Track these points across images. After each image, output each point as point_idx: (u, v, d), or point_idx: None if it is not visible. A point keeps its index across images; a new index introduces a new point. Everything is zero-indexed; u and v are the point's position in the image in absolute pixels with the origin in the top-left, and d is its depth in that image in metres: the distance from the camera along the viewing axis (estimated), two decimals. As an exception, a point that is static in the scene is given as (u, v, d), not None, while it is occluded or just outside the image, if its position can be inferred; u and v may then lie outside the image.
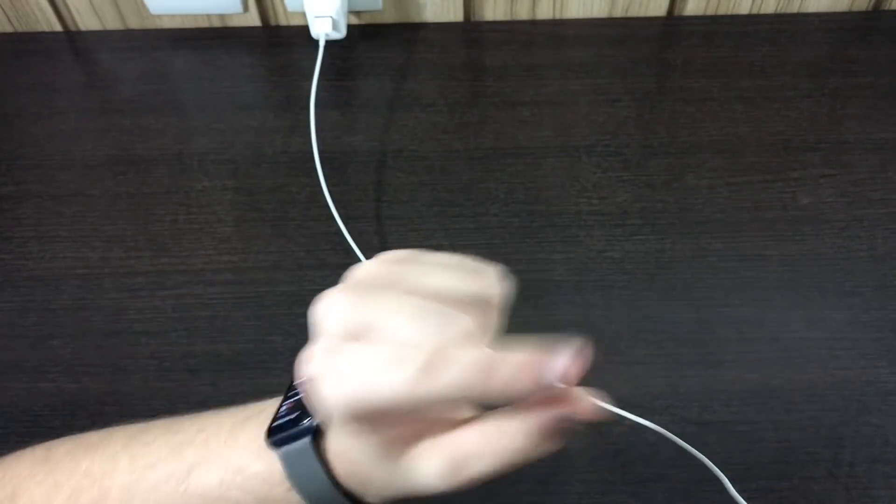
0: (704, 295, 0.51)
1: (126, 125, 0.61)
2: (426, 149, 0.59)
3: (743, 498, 0.42)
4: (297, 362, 0.26)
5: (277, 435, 0.28)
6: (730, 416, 0.46)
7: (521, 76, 0.64)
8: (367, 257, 0.53)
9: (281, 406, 0.29)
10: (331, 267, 0.52)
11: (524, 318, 0.52)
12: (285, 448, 0.27)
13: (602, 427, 0.46)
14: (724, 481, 0.43)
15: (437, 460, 0.26)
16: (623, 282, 0.52)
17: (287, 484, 0.28)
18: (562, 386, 0.23)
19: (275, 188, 0.57)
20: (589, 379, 0.49)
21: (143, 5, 0.65)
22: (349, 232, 0.53)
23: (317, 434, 0.27)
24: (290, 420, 0.28)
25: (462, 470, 0.26)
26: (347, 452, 0.27)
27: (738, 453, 0.44)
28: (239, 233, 0.55)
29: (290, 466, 0.27)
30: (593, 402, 0.26)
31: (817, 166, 0.57)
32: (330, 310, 0.26)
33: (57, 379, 0.48)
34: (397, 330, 0.25)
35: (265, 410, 0.29)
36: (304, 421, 0.27)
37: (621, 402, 0.46)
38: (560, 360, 0.23)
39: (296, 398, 0.29)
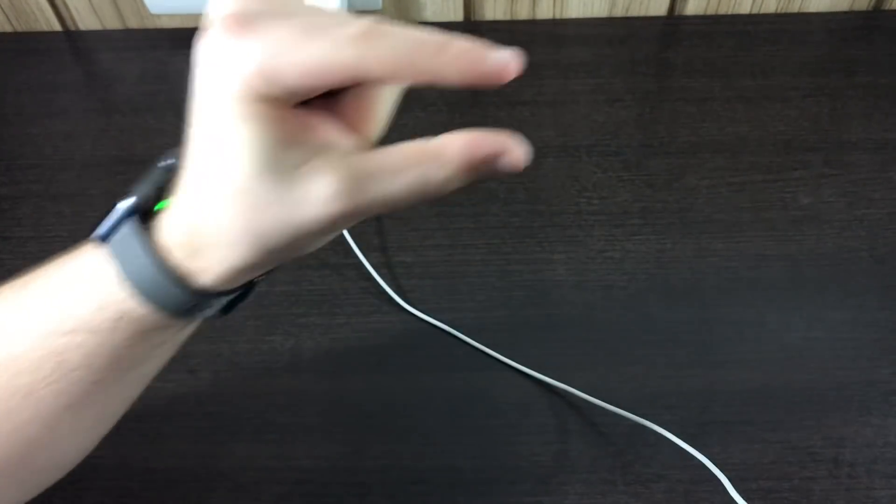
0: (705, 295, 0.51)
1: (126, 125, 0.61)
2: (426, 149, 0.59)
3: (743, 498, 0.42)
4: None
5: (101, 227, 0.26)
6: (730, 416, 0.46)
7: (521, 76, 0.64)
8: (368, 258, 0.53)
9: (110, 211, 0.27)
10: (331, 267, 0.52)
11: (524, 318, 0.52)
12: (111, 238, 0.26)
13: (602, 427, 0.46)
14: (724, 482, 0.43)
15: (331, 176, 0.22)
16: (623, 282, 0.52)
17: (117, 278, 0.25)
18: (502, 79, 0.22)
19: (274, 188, 0.57)
20: (589, 379, 0.49)
21: (143, 5, 0.65)
22: (349, 232, 0.53)
23: (145, 217, 0.26)
24: (117, 209, 0.26)
25: (362, 189, 0.22)
26: (192, 203, 0.24)
27: (739, 453, 0.44)
28: (238, 233, 0.55)
29: (118, 257, 0.26)
30: (523, 148, 0.23)
31: (818, 166, 0.57)
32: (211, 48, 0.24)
33: (56, 379, 0.48)
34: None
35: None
36: (125, 204, 0.26)
37: (621, 402, 0.46)
38: (503, 53, 0.22)
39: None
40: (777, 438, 0.45)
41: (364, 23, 0.21)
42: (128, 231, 0.25)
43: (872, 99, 0.61)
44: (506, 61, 0.22)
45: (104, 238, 0.26)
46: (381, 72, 0.21)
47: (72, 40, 0.68)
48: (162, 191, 0.26)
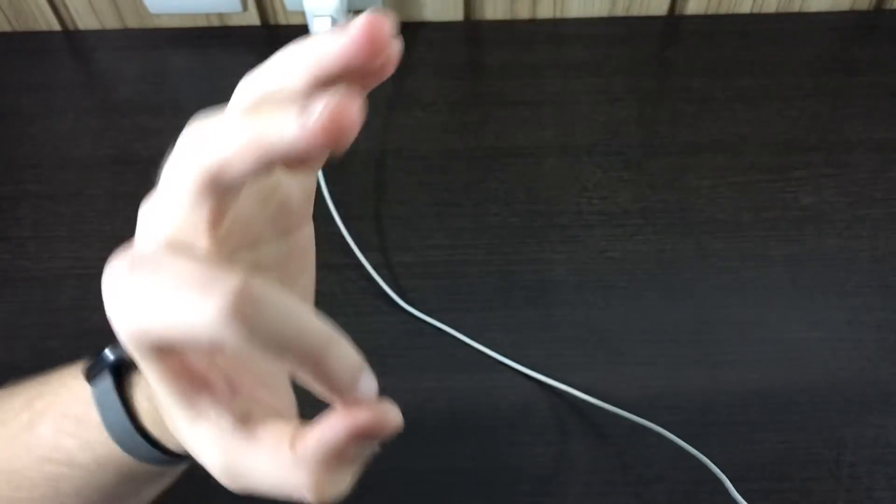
0: (705, 295, 0.51)
1: (125, 125, 0.61)
2: (426, 149, 0.59)
3: (744, 499, 0.42)
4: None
5: (91, 371, 0.26)
6: (731, 416, 0.46)
7: (522, 76, 0.64)
8: (367, 257, 0.53)
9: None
10: (331, 267, 0.52)
11: (524, 318, 0.52)
12: (94, 383, 0.26)
13: (603, 428, 0.46)
14: (724, 482, 0.43)
15: (214, 452, 0.21)
16: (623, 282, 0.51)
17: (101, 425, 0.26)
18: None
19: (274, 188, 0.57)
20: (589, 379, 0.49)
21: (142, 4, 0.65)
22: (349, 232, 0.53)
23: (128, 367, 0.26)
24: (105, 354, 0.26)
25: (237, 478, 0.21)
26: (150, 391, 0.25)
27: (739, 454, 0.44)
28: (238, 233, 0.54)
29: (100, 404, 0.26)
30: (393, 410, 0.20)
31: (819, 166, 0.57)
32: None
33: (56, 379, 0.48)
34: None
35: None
36: (111, 354, 0.26)
37: (621, 403, 0.45)
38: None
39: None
40: (777, 438, 0.45)
41: (224, 294, 0.18)
42: (107, 386, 0.26)
43: (873, 99, 0.61)
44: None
45: (92, 377, 0.26)
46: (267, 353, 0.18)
47: (71, 40, 0.68)
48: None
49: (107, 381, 0.26)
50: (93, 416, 0.26)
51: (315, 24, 0.62)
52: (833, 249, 0.53)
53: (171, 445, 0.26)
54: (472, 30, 0.68)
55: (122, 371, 0.26)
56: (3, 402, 0.29)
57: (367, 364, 0.19)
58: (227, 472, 0.21)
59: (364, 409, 0.19)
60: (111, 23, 0.67)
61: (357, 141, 0.60)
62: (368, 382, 0.19)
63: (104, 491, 0.27)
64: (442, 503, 0.44)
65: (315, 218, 0.59)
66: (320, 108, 0.18)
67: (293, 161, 0.19)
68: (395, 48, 0.20)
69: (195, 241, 0.21)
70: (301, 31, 0.66)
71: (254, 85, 0.22)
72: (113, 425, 0.26)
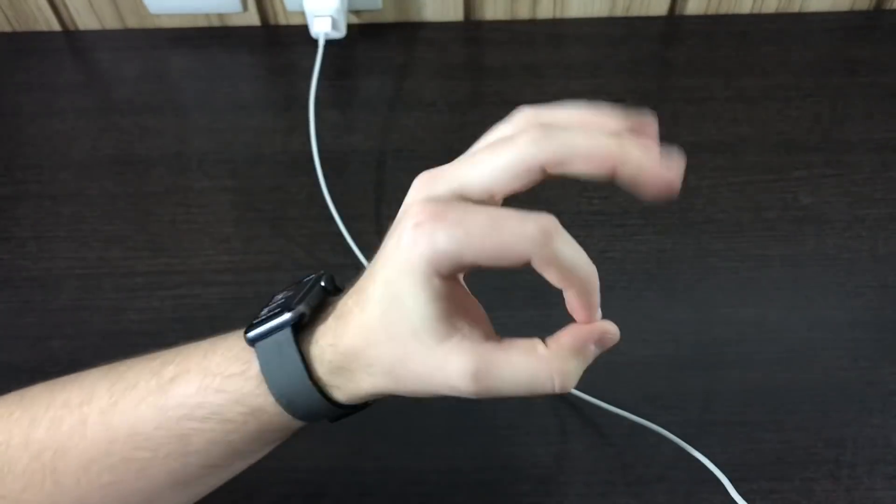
0: (705, 295, 0.51)
1: (125, 125, 0.61)
2: (426, 149, 0.59)
3: (744, 499, 0.42)
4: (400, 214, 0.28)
5: (255, 330, 0.28)
6: (730, 416, 0.46)
7: (521, 76, 0.64)
8: (367, 257, 0.53)
9: (262, 309, 0.30)
10: (331, 267, 0.52)
11: (524, 318, 0.52)
12: (263, 341, 0.28)
13: (603, 428, 0.46)
14: (724, 482, 0.43)
15: (467, 357, 0.26)
16: (623, 282, 0.51)
17: (260, 378, 0.28)
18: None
19: (274, 188, 0.57)
20: (589, 379, 0.49)
21: (142, 5, 0.65)
22: (349, 232, 0.53)
23: (299, 328, 0.28)
24: (272, 315, 0.28)
25: (487, 378, 0.27)
26: (356, 334, 0.27)
27: (739, 454, 0.44)
28: (238, 233, 0.55)
29: (265, 360, 0.28)
30: (614, 327, 0.30)
31: (819, 166, 0.57)
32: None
33: (56, 379, 0.48)
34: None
35: (234, 333, 0.30)
36: (285, 314, 0.28)
37: (621, 403, 0.45)
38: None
39: (278, 302, 0.29)
40: (777, 439, 0.45)
41: (542, 224, 0.27)
42: (284, 341, 0.28)
43: (873, 99, 0.61)
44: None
45: (254, 341, 0.28)
46: (555, 271, 0.28)
47: (71, 40, 0.68)
48: (317, 309, 0.29)
49: (283, 338, 0.28)
50: (252, 371, 0.28)
51: (315, 25, 0.62)
52: (833, 249, 0.53)
53: (339, 393, 0.29)
54: (472, 30, 0.68)
55: (297, 328, 0.28)
56: (117, 373, 0.31)
57: None
58: (476, 373, 0.26)
59: (601, 324, 0.31)
60: (111, 23, 0.67)
61: (357, 141, 0.60)
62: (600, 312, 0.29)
63: (233, 446, 0.30)
64: (441, 503, 0.44)
65: (315, 218, 0.59)
66: (676, 165, 0.28)
67: (626, 183, 0.28)
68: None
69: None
70: (301, 31, 0.66)
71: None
72: (281, 380, 0.28)
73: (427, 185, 0.28)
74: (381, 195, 0.56)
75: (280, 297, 0.31)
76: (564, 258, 0.28)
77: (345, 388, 0.29)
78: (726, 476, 0.43)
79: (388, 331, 0.27)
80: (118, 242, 0.54)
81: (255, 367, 0.28)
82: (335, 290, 0.31)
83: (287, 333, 0.28)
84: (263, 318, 0.29)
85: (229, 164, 0.58)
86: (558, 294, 0.55)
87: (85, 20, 0.67)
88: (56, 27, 0.68)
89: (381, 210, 0.55)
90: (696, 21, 0.67)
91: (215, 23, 0.68)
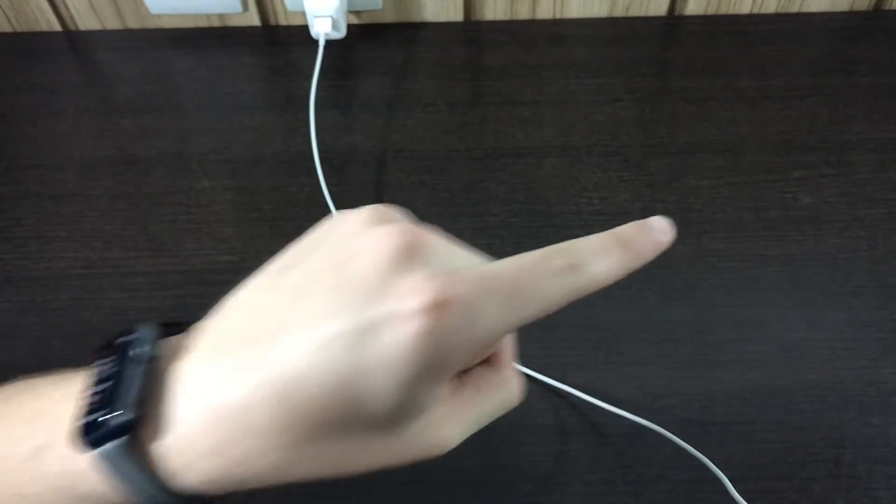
0: (705, 295, 0.51)
1: (125, 125, 0.61)
2: (426, 149, 0.59)
3: (743, 498, 0.42)
4: (404, 291, 0.22)
5: (88, 436, 0.23)
6: (730, 416, 0.46)
7: (521, 76, 0.64)
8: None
9: (86, 397, 0.24)
10: (330, 267, 0.52)
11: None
12: (100, 449, 0.23)
13: (602, 428, 0.46)
14: (724, 482, 0.43)
15: (457, 424, 0.25)
16: (623, 282, 0.51)
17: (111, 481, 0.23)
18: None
19: (274, 188, 0.57)
20: (589, 379, 0.49)
21: (143, 5, 0.65)
22: (349, 232, 0.53)
23: (129, 431, 0.23)
24: (95, 420, 0.23)
25: (466, 434, 0.26)
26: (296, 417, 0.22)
27: (739, 454, 0.44)
28: (238, 233, 0.55)
29: (112, 469, 0.23)
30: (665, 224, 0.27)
31: (818, 166, 0.57)
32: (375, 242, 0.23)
33: (56, 379, 0.48)
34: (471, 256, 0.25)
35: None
36: (116, 410, 0.23)
37: (621, 402, 0.46)
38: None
39: (98, 388, 0.24)
40: (777, 438, 0.45)
41: (564, 258, 0.24)
42: (119, 451, 0.23)
43: (873, 99, 0.61)
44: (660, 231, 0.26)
45: (92, 443, 0.23)
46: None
47: (72, 40, 0.68)
48: (142, 399, 0.23)
49: (116, 445, 0.23)
50: (104, 481, 0.24)
51: (315, 25, 0.62)
52: (832, 249, 0.53)
53: (207, 489, 0.24)
54: (472, 30, 0.68)
55: (130, 430, 0.23)
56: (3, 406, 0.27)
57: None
58: (459, 438, 0.25)
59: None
60: (112, 23, 0.67)
61: (357, 141, 0.60)
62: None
63: None
64: (442, 503, 0.44)
65: (315, 218, 0.59)
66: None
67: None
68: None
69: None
70: (301, 31, 0.66)
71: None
72: (134, 486, 0.23)
73: (416, 248, 0.23)
74: (381, 195, 0.56)
75: (105, 366, 0.24)
76: (604, 278, 0.25)
77: (198, 477, 0.24)
78: (726, 476, 0.43)
79: (319, 433, 0.22)
80: (119, 242, 0.54)
81: (97, 475, 0.23)
82: (169, 332, 0.26)
83: (119, 445, 0.23)
84: (89, 416, 0.23)
85: (229, 164, 0.59)
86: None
87: (85, 20, 0.67)
88: (57, 27, 0.68)
89: (381, 210, 0.55)
90: (696, 21, 0.67)
91: (215, 23, 0.68)
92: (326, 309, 0.22)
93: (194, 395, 0.23)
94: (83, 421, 0.23)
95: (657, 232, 0.26)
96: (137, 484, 0.23)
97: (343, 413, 0.22)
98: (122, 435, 0.23)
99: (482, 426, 0.26)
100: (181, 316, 0.29)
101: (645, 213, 0.55)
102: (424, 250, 0.23)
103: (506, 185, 0.57)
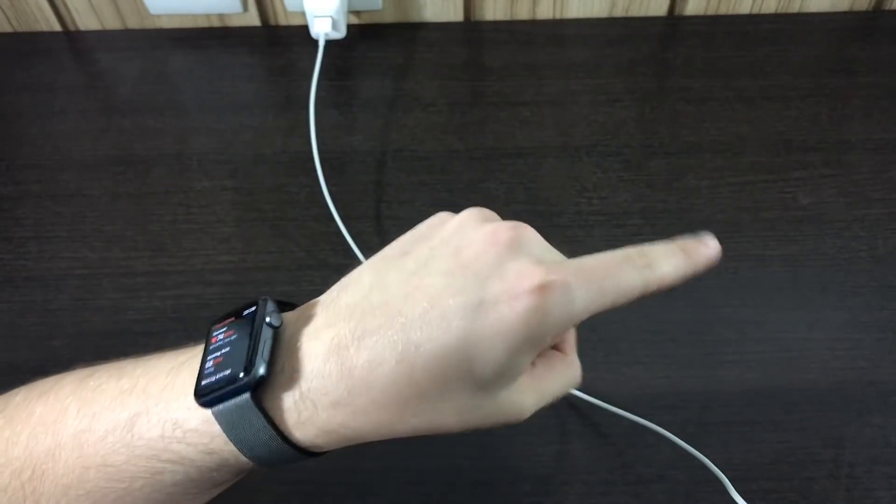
0: (705, 295, 0.51)
1: (125, 125, 0.61)
2: (426, 149, 0.59)
3: (743, 499, 0.42)
4: (516, 275, 0.26)
5: (208, 396, 0.27)
6: (730, 416, 0.46)
7: (521, 76, 0.64)
8: (367, 257, 0.53)
9: (205, 361, 0.28)
10: (331, 267, 0.52)
11: (524, 318, 0.52)
12: (220, 407, 0.26)
13: (602, 428, 0.46)
14: (724, 482, 0.43)
15: (529, 400, 0.28)
16: (623, 282, 0.51)
17: (224, 437, 0.27)
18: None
19: (274, 188, 0.57)
20: (589, 379, 0.49)
21: (143, 5, 0.65)
22: (349, 232, 0.53)
23: (257, 388, 0.26)
24: (222, 378, 0.27)
25: (538, 407, 0.29)
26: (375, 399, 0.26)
27: (739, 454, 0.44)
28: (238, 233, 0.55)
29: (228, 424, 0.27)
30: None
31: (818, 166, 0.57)
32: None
33: (56, 379, 0.48)
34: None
35: (197, 356, 0.29)
36: (240, 377, 0.26)
37: (621, 402, 0.46)
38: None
39: (220, 352, 0.28)
40: (777, 438, 0.45)
41: (641, 258, 0.28)
42: (246, 408, 0.26)
43: (872, 99, 0.61)
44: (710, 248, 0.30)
45: (210, 402, 0.27)
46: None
47: (72, 41, 0.68)
48: (272, 360, 0.27)
49: (242, 400, 0.26)
50: (214, 429, 0.27)
51: (315, 25, 0.62)
52: (832, 249, 0.53)
53: (319, 441, 0.27)
54: (471, 30, 0.68)
55: (256, 388, 0.26)
56: (87, 390, 0.30)
57: None
58: (535, 408, 0.28)
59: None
60: (111, 23, 0.67)
61: (357, 141, 0.60)
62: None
63: (211, 481, 0.29)
64: (441, 503, 0.44)
65: (315, 218, 0.59)
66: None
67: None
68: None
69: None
70: (301, 31, 0.66)
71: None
72: (253, 444, 0.27)
73: (522, 241, 0.28)
74: (381, 195, 0.56)
75: (221, 336, 0.29)
76: (670, 277, 0.29)
77: (324, 437, 0.27)
78: (726, 476, 0.43)
79: (433, 390, 0.26)
80: (118, 242, 0.54)
81: (215, 428, 0.27)
82: (283, 309, 0.30)
83: (247, 399, 0.26)
84: (212, 376, 0.27)
85: (229, 164, 0.59)
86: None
87: (85, 20, 0.67)
88: (56, 27, 0.68)
89: (381, 210, 0.55)
90: (696, 21, 0.67)
91: (215, 23, 0.68)
92: (448, 286, 0.26)
93: (322, 353, 0.26)
94: (207, 381, 0.27)
95: (711, 248, 0.30)
96: (257, 437, 0.26)
97: (456, 374, 0.26)
98: (250, 390, 0.26)
99: (550, 402, 0.29)
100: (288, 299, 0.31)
101: (645, 213, 0.55)
102: (527, 243, 0.27)
103: (506, 185, 0.57)
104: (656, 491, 0.43)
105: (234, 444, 0.27)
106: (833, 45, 0.65)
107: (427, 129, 0.60)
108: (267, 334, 0.28)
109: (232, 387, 0.26)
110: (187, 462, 0.28)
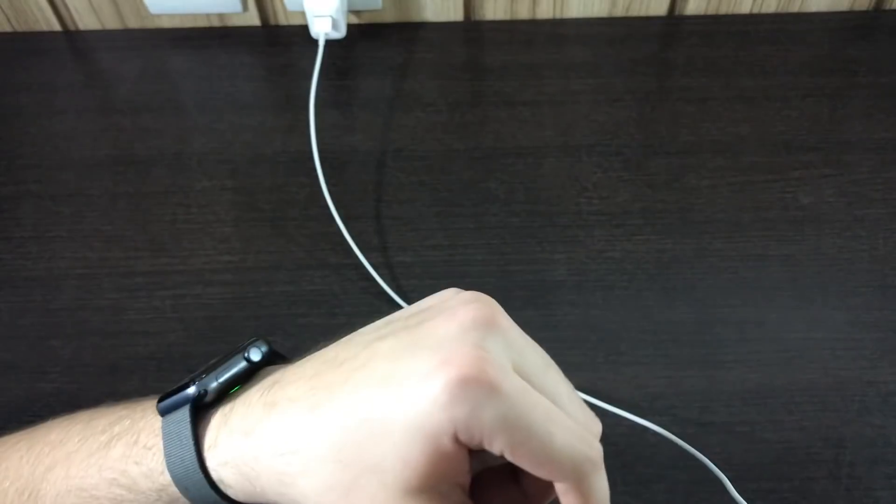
0: (705, 295, 0.51)
1: (125, 125, 0.61)
2: (426, 149, 0.59)
3: (743, 498, 0.42)
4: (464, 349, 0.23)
5: (163, 402, 0.27)
6: (730, 416, 0.46)
7: (521, 76, 0.64)
8: (368, 258, 0.53)
9: (189, 380, 0.28)
10: (330, 267, 0.52)
11: (524, 318, 0.52)
12: (166, 416, 0.27)
13: (602, 427, 0.46)
14: (724, 482, 0.43)
15: None
16: (623, 282, 0.51)
17: (163, 453, 0.27)
18: None
19: (274, 188, 0.57)
20: (589, 379, 0.49)
21: (143, 5, 0.65)
22: (349, 232, 0.53)
23: (198, 402, 0.27)
24: (181, 386, 0.27)
25: None
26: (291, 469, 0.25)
27: (739, 454, 0.44)
28: (238, 233, 0.55)
29: (167, 435, 0.27)
30: None
31: (818, 166, 0.57)
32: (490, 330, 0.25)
33: (56, 379, 0.48)
34: (562, 396, 0.26)
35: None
36: (190, 389, 0.27)
37: (621, 402, 0.45)
38: None
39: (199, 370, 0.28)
40: (777, 438, 0.45)
41: (597, 451, 0.25)
42: (181, 419, 0.27)
43: (873, 99, 0.61)
44: None
45: (166, 410, 0.28)
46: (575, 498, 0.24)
47: (71, 40, 0.68)
48: (233, 384, 0.28)
49: (181, 415, 0.27)
50: (158, 443, 0.27)
51: (315, 25, 0.62)
52: (832, 249, 0.53)
53: (231, 492, 0.27)
54: (472, 30, 0.68)
55: (199, 408, 0.27)
56: (91, 421, 0.30)
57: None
58: None
59: None
60: (111, 23, 0.67)
61: (357, 141, 0.60)
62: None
63: None
64: None
65: (315, 218, 0.59)
66: None
67: None
68: None
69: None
70: (301, 31, 0.66)
71: None
72: (174, 458, 0.27)
73: (487, 329, 0.24)
74: (380, 195, 0.56)
75: (216, 361, 0.29)
76: (597, 497, 0.25)
77: (240, 489, 0.27)
78: (726, 476, 0.43)
79: (345, 479, 0.24)
80: (118, 242, 0.54)
81: (160, 440, 0.27)
82: (269, 360, 0.29)
83: (185, 412, 0.26)
84: (178, 388, 0.28)
85: (229, 164, 0.59)
86: (558, 293, 0.55)
87: (85, 20, 0.67)
88: (56, 27, 0.68)
89: (380, 210, 0.55)
90: (696, 21, 0.67)
91: (215, 23, 0.68)
92: (390, 350, 0.25)
93: (258, 387, 0.27)
94: (171, 390, 0.27)
95: None
96: (180, 451, 0.26)
97: (367, 453, 0.24)
98: (191, 401, 0.26)
99: None
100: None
101: (645, 213, 0.55)
102: (498, 331, 0.25)
103: (506, 185, 0.57)
104: (656, 491, 0.43)
105: (166, 462, 0.27)
106: (833, 44, 0.65)
107: (427, 129, 0.60)
108: (238, 364, 0.28)
109: (179, 399, 0.27)
110: (136, 489, 0.28)
